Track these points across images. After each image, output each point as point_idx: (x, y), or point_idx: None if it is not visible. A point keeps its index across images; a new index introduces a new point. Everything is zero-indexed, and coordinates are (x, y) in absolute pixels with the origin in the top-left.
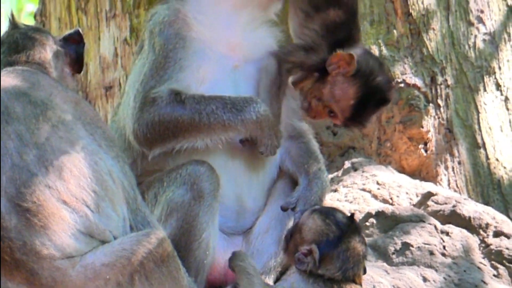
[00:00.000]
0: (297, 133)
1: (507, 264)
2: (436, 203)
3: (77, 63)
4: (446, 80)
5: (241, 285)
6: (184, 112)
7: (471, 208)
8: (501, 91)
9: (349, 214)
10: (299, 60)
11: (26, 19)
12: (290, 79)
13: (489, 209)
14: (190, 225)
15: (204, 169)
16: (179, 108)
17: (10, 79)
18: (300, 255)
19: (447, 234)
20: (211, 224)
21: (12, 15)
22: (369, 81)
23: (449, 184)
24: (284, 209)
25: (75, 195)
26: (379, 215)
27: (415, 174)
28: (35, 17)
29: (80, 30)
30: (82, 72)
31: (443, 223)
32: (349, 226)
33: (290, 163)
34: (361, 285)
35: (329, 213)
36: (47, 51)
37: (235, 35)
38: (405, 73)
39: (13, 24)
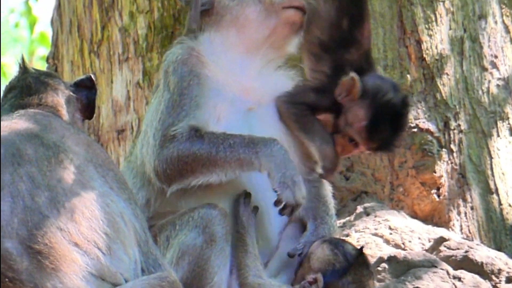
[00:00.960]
0: (312, 177)
1: None
2: (449, 248)
3: (88, 109)
4: (459, 125)
5: None
6: (202, 146)
7: (483, 253)
8: None
9: (358, 247)
10: (309, 101)
11: (38, 63)
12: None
13: (501, 255)
14: (202, 268)
15: (216, 213)
16: (198, 142)
17: (22, 121)
18: (306, 283)
19: (459, 279)
20: (223, 267)
21: (23, 59)
22: (378, 98)
23: (461, 230)
24: (291, 255)
25: (87, 237)
26: (391, 260)
27: (427, 219)
28: (47, 60)
29: (92, 76)
30: (94, 116)
31: (455, 268)
32: (356, 258)
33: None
34: None
35: (338, 244)
36: (59, 96)
37: (249, 79)
38: (418, 118)
39: (24, 68)
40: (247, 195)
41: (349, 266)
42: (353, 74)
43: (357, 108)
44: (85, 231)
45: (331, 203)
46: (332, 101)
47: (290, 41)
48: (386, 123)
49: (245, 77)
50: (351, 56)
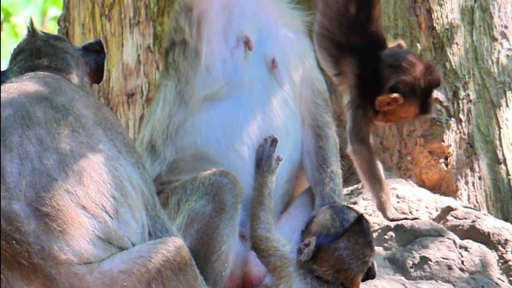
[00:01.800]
0: (318, 127)
1: None
2: (456, 218)
3: (97, 73)
4: (468, 95)
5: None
6: None
7: (490, 223)
8: None
9: (359, 215)
10: (366, 118)
11: (50, 24)
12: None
13: (508, 225)
14: (210, 237)
15: (227, 181)
16: None
17: (31, 83)
18: (302, 245)
19: (466, 249)
20: (231, 236)
21: (31, 22)
22: (417, 89)
23: (469, 199)
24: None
25: (94, 201)
26: (398, 228)
27: (435, 188)
28: (58, 22)
29: (101, 40)
30: (104, 79)
31: (462, 238)
32: (352, 225)
33: (310, 174)
34: None
35: (341, 210)
36: (69, 59)
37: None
38: None
39: (33, 31)
40: (273, 142)
41: (343, 231)
42: (392, 95)
43: (405, 107)
44: (93, 194)
45: (337, 170)
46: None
47: None
48: (431, 96)
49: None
50: (361, 42)
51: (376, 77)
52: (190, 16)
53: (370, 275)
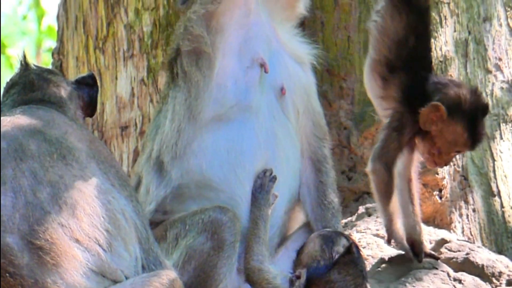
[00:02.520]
0: (317, 161)
1: None
2: (450, 250)
3: (90, 107)
4: None
5: None
6: None
7: (484, 256)
8: None
9: (349, 244)
10: (397, 144)
11: (45, 55)
12: None
13: (502, 258)
14: (207, 275)
15: (226, 219)
16: None
17: (25, 116)
18: (294, 276)
19: (460, 281)
20: (228, 275)
21: (24, 56)
22: (463, 106)
23: (463, 232)
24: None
25: (88, 234)
26: (392, 261)
27: (429, 220)
28: (52, 55)
29: (94, 74)
30: (98, 112)
31: (456, 270)
32: (342, 256)
33: (309, 209)
34: None
35: (329, 239)
36: (62, 92)
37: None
38: None
39: (26, 64)
40: (272, 178)
41: (333, 263)
42: (434, 103)
43: (452, 126)
44: (86, 227)
45: (337, 205)
46: (414, 128)
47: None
48: (479, 120)
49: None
50: (415, 73)
51: (423, 98)
52: (209, 25)
53: None
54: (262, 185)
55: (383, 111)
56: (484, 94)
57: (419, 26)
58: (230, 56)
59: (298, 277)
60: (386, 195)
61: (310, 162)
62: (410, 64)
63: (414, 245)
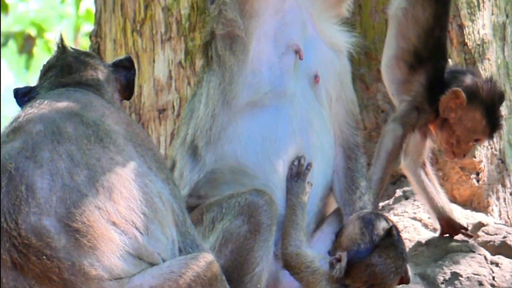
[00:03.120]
0: (348, 148)
1: None
2: (487, 233)
3: (127, 90)
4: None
5: None
6: None
7: None
8: None
9: (389, 227)
10: (414, 122)
11: (83, 40)
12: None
13: None
14: (244, 258)
15: (263, 202)
16: None
17: (62, 99)
18: (334, 259)
19: (497, 265)
20: (265, 258)
21: (61, 39)
22: (481, 93)
23: (500, 215)
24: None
25: (125, 217)
26: (429, 244)
27: (466, 204)
28: (90, 37)
29: (131, 57)
30: (135, 95)
31: (493, 253)
32: (383, 240)
33: (338, 195)
34: None
35: (369, 221)
36: (99, 75)
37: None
38: None
39: (63, 47)
40: (308, 166)
41: (373, 247)
42: (455, 89)
43: (471, 114)
44: (123, 210)
45: (367, 194)
46: (430, 116)
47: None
48: (496, 106)
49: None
50: (437, 63)
51: (442, 85)
52: (243, 9)
53: (404, 280)
54: (298, 173)
55: (400, 95)
56: None
57: (443, 16)
58: (265, 41)
59: (339, 260)
60: (390, 157)
61: (341, 149)
62: (435, 53)
63: (448, 223)
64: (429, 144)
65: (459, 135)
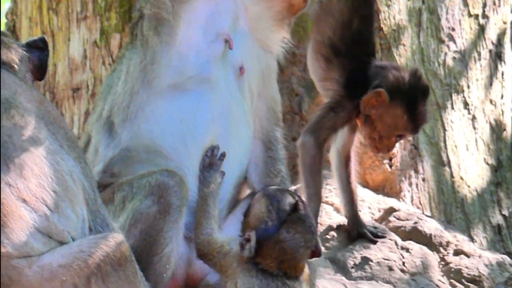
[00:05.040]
0: (268, 141)
1: (465, 283)
2: (398, 219)
3: (40, 70)
4: None
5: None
6: None
7: (432, 225)
8: (468, 109)
9: (295, 201)
10: (332, 123)
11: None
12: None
13: (450, 227)
14: (153, 238)
15: (173, 183)
16: None
17: None
18: (243, 240)
19: (407, 250)
20: (174, 239)
21: None
22: (403, 89)
23: (412, 201)
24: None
25: (35, 194)
26: (340, 228)
27: (378, 189)
28: (6, 15)
29: (47, 35)
30: (50, 73)
31: (403, 239)
32: (289, 215)
33: (257, 180)
34: (299, 277)
35: (275, 198)
36: (13, 54)
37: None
38: None
39: None
40: (221, 156)
41: (281, 223)
42: (378, 90)
43: (393, 110)
44: (34, 188)
45: (287, 178)
46: (353, 111)
47: (284, 22)
48: (419, 102)
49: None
50: (358, 58)
51: (364, 82)
52: None
53: (315, 254)
54: (211, 164)
55: (325, 92)
56: (436, 64)
57: (363, 9)
58: (194, 27)
59: (248, 240)
60: (311, 170)
61: (260, 143)
62: (353, 47)
63: (353, 221)
64: (358, 138)
65: (381, 131)
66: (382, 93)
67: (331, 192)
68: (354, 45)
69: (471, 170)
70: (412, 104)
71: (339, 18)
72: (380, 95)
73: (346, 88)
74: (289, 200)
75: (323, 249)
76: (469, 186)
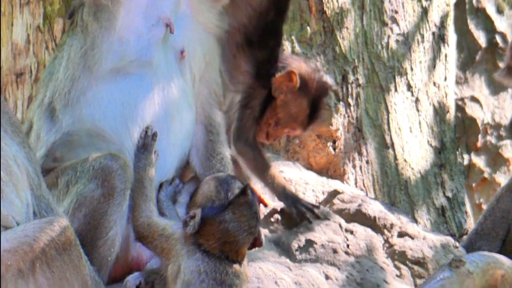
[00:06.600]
0: (210, 125)
1: (409, 264)
2: (342, 201)
3: None
4: (357, 79)
5: None
6: None
7: (376, 207)
8: (412, 92)
9: (244, 186)
10: (252, 119)
11: None
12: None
13: (394, 209)
14: (98, 222)
15: (117, 166)
16: None
17: None
18: (188, 217)
19: (352, 232)
20: (118, 222)
21: None
22: (311, 82)
23: (356, 183)
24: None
25: None
26: (284, 211)
27: (322, 171)
28: None
29: None
30: None
31: (348, 221)
32: (237, 197)
33: (198, 164)
34: (240, 262)
35: (225, 181)
36: None
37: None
38: None
39: None
40: (154, 136)
41: (228, 203)
42: (291, 69)
43: (298, 100)
44: None
45: (227, 158)
46: (263, 100)
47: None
48: (320, 102)
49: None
50: (270, 49)
51: (273, 72)
52: None
53: (256, 243)
54: (145, 145)
55: (234, 85)
56: (380, 47)
57: (281, 1)
58: (135, 12)
59: (192, 217)
60: (258, 170)
61: (202, 126)
62: (266, 38)
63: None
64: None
65: (280, 118)
66: (294, 75)
67: None
68: (266, 36)
69: (415, 152)
70: (316, 100)
71: (256, 8)
72: (292, 78)
73: (257, 78)
74: (239, 185)
75: (267, 232)
76: (412, 168)
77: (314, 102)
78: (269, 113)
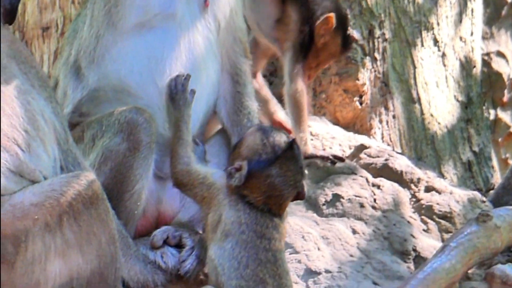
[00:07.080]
0: (236, 74)
1: (436, 219)
2: (369, 156)
3: (10, 14)
4: (384, 34)
5: None
6: None
7: (403, 162)
8: (438, 46)
9: (291, 140)
10: (303, 61)
11: None
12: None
13: (421, 164)
14: (124, 175)
15: (142, 119)
16: None
17: None
18: (232, 169)
19: (378, 187)
20: (144, 176)
21: None
22: (343, 18)
23: (382, 138)
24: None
25: (6, 134)
26: (311, 165)
27: (349, 126)
28: None
29: None
30: (19, 12)
31: (374, 176)
32: (284, 152)
33: (226, 116)
34: (281, 216)
35: (271, 133)
36: None
37: None
38: None
39: None
40: (187, 76)
41: (275, 158)
42: (327, 15)
43: (334, 38)
44: (5, 127)
45: (254, 112)
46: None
47: None
48: (348, 32)
49: None
50: None
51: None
52: None
53: (299, 196)
54: (177, 85)
55: (282, 34)
56: (406, 1)
57: None
58: None
59: (238, 169)
60: (304, 109)
61: (228, 76)
62: None
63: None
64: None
65: (321, 60)
66: (331, 18)
67: None
68: None
69: (441, 107)
70: (346, 29)
71: None
72: (328, 22)
73: (302, 23)
74: (285, 138)
75: None
76: (439, 123)
77: (344, 33)
78: (311, 57)
